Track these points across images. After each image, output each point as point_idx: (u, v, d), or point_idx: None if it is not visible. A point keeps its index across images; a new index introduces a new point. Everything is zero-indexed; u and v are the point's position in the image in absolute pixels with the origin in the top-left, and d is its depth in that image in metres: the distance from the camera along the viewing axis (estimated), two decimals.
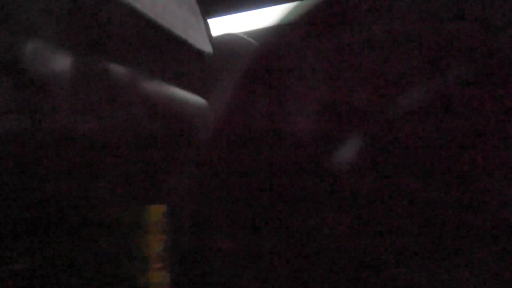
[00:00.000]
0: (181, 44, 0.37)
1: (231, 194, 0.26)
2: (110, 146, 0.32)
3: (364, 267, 0.23)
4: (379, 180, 0.23)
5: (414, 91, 0.24)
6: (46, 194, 0.29)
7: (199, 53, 0.40)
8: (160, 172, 0.34)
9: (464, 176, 0.23)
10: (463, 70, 0.23)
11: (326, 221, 0.23)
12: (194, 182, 0.27)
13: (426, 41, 0.24)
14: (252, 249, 0.25)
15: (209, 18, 0.47)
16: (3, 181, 0.28)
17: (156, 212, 0.32)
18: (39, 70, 0.28)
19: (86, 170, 0.30)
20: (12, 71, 0.28)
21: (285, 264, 0.24)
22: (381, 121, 0.24)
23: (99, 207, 0.31)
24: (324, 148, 0.25)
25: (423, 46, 0.24)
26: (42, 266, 0.30)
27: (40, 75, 0.29)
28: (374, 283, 0.23)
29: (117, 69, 0.32)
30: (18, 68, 0.28)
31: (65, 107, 0.29)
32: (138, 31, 0.34)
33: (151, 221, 0.32)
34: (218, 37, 0.53)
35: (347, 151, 0.25)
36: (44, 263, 0.30)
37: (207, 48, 0.41)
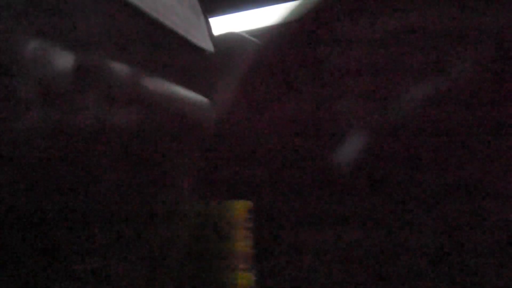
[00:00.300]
0: (183, 43, 0.37)
1: (309, 187, 0.25)
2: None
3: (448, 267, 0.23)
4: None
5: (419, 87, 0.24)
6: (114, 189, 0.28)
7: (201, 52, 0.40)
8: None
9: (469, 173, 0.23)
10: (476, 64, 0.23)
11: (412, 217, 0.23)
12: (273, 175, 0.26)
13: (430, 36, 0.24)
14: (339, 243, 0.24)
15: (210, 16, 0.47)
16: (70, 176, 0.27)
17: (241, 208, 0.30)
18: (41, 69, 0.28)
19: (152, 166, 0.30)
20: (14, 70, 0.28)
21: (371, 259, 0.24)
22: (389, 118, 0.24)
23: (179, 202, 0.30)
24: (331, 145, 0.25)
25: (427, 42, 0.24)
26: (119, 265, 0.29)
27: (42, 74, 0.28)
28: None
29: (119, 68, 0.32)
30: (20, 68, 0.28)
31: (67, 106, 0.29)
32: (140, 29, 0.34)
33: (236, 218, 0.30)
34: (219, 36, 0.53)
35: (351, 148, 0.24)
36: (121, 261, 0.29)
37: (209, 46, 0.41)
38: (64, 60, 0.29)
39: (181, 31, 0.37)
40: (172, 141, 0.36)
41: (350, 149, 0.24)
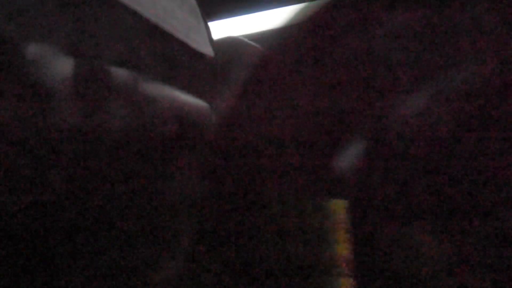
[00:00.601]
0: (182, 47, 0.37)
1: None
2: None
3: None
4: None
5: (415, 95, 0.24)
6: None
7: (201, 56, 0.40)
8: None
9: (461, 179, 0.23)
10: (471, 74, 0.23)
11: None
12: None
13: (426, 45, 0.24)
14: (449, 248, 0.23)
15: (210, 21, 0.47)
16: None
17: (338, 207, 0.28)
18: (42, 74, 0.28)
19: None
20: (15, 75, 0.28)
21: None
22: (381, 125, 0.24)
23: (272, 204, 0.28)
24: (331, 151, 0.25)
25: (425, 51, 0.24)
26: (198, 273, 0.27)
27: (44, 79, 0.28)
28: None
29: (118, 72, 0.32)
30: (21, 73, 0.28)
31: (67, 110, 0.29)
32: (139, 34, 0.34)
33: (333, 218, 0.28)
34: (219, 40, 0.53)
35: (350, 154, 0.24)
36: (199, 269, 0.28)
37: (209, 51, 0.41)
38: (66, 64, 0.29)
39: (181, 35, 0.37)
40: (172, 145, 0.36)
41: (352, 154, 0.24)
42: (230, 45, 0.54)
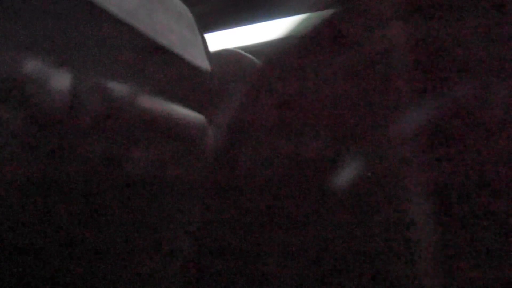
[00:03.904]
0: (180, 62, 0.37)
1: None
2: None
3: None
4: None
5: (413, 109, 0.24)
6: None
7: (198, 70, 0.40)
8: None
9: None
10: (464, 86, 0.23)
11: None
12: None
13: (422, 58, 0.24)
14: None
15: (206, 32, 0.47)
16: None
17: None
18: (39, 89, 0.28)
19: None
20: (13, 91, 0.28)
21: None
22: (381, 139, 0.24)
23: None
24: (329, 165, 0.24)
25: (420, 63, 0.24)
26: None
27: (41, 94, 0.28)
28: None
29: (116, 87, 0.32)
30: (19, 88, 0.28)
31: (67, 125, 0.29)
32: (136, 49, 0.34)
33: None
34: (216, 52, 0.53)
35: (348, 168, 0.24)
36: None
37: (205, 65, 0.41)
38: (59, 80, 0.29)
39: (178, 49, 0.37)
40: (170, 158, 0.36)
41: (350, 171, 0.24)
42: (227, 58, 0.55)
